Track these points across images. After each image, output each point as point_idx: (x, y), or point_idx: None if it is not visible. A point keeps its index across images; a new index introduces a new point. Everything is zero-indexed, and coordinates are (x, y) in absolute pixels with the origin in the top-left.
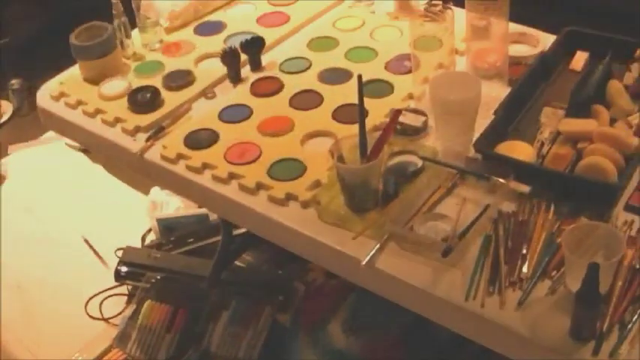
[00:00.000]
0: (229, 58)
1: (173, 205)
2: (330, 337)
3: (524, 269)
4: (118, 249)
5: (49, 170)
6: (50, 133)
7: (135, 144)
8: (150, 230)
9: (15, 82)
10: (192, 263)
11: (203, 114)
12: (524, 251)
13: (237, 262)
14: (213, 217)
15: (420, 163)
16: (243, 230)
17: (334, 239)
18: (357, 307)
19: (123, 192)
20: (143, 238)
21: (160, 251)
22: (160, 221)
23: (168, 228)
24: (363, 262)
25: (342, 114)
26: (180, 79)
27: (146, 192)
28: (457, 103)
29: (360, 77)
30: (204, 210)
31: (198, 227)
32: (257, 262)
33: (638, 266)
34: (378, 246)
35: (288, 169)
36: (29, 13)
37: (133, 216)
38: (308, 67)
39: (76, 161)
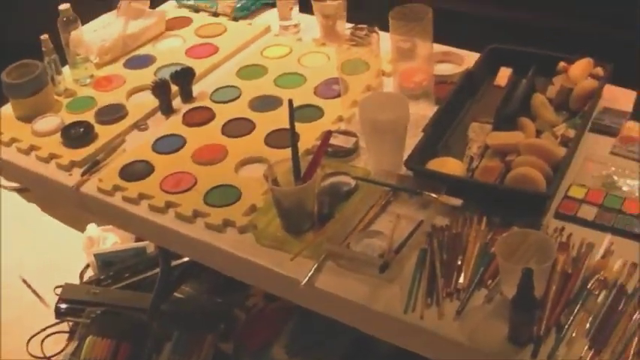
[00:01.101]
0: (160, 89)
1: (110, 240)
2: None
3: (461, 280)
4: (57, 287)
5: None
6: None
7: (71, 178)
8: (88, 266)
9: None
10: (131, 297)
11: (137, 146)
12: (460, 262)
13: (176, 294)
14: (150, 249)
15: (353, 183)
16: (181, 261)
17: (273, 261)
18: (298, 329)
19: (59, 230)
20: (81, 275)
21: (99, 286)
22: (97, 256)
23: (106, 263)
24: (303, 282)
25: (274, 139)
26: (112, 113)
27: (82, 229)
28: (386, 122)
29: (290, 101)
30: (141, 243)
31: (136, 261)
32: (196, 293)
33: (570, 271)
34: (316, 265)
35: (224, 195)
36: None
37: (70, 253)
38: (238, 96)
39: (10, 201)
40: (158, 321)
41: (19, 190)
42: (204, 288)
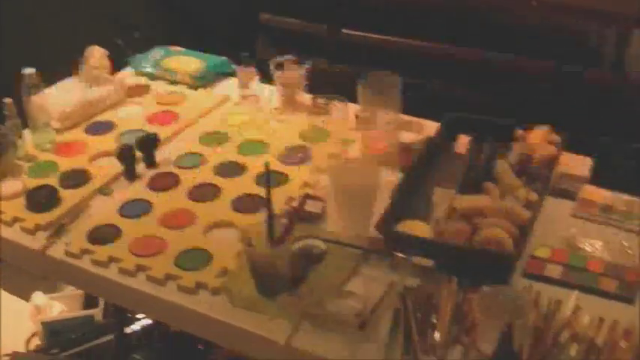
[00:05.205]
0: (125, 155)
1: (56, 308)
2: None
3: (436, 337)
4: (6, 355)
5: None
6: None
7: (35, 242)
8: (34, 334)
9: None
10: None
11: (103, 210)
12: (434, 320)
13: None
14: (98, 317)
15: (323, 245)
16: (133, 330)
17: (249, 323)
18: None
19: (2, 298)
20: (27, 344)
21: (48, 355)
22: (45, 324)
23: (54, 331)
24: (282, 343)
25: (240, 204)
26: (76, 178)
27: (26, 297)
28: (357, 187)
29: (267, 165)
30: (89, 311)
31: (85, 329)
32: None
33: (541, 325)
34: (293, 326)
35: (195, 258)
36: None
37: (14, 322)
38: (202, 162)
39: None
40: None
41: None
42: (155, 357)
